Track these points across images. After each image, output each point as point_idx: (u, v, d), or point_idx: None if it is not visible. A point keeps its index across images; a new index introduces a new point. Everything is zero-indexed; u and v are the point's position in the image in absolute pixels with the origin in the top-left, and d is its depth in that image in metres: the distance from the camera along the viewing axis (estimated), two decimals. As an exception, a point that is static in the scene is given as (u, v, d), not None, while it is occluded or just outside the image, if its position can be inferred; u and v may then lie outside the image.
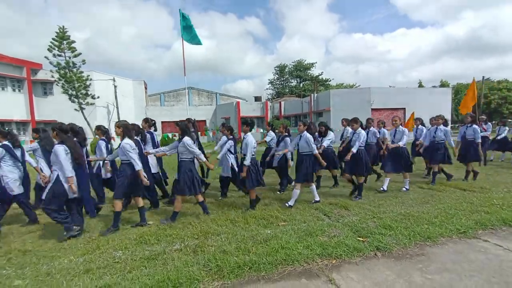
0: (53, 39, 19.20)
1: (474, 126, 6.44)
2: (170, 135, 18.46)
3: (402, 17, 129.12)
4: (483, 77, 31.01)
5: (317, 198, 4.99)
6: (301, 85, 48.49)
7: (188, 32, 6.53)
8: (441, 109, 19.42)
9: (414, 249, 3.13)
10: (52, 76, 19.81)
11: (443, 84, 45.96)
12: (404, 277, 2.59)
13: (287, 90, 48.95)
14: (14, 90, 21.94)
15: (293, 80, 51.34)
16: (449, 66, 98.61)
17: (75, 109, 20.16)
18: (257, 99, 35.06)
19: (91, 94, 20.48)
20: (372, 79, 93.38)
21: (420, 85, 46.95)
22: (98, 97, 21.02)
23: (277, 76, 51.76)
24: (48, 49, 19.21)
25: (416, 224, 3.73)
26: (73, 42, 19.74)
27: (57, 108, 22.19)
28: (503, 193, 5.26)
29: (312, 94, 26.31)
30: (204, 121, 29.96)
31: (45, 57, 19.14)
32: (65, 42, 19.48)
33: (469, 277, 2.57)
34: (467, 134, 6.56)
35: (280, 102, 30.80)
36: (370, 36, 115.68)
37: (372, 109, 21.98)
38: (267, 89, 56.11)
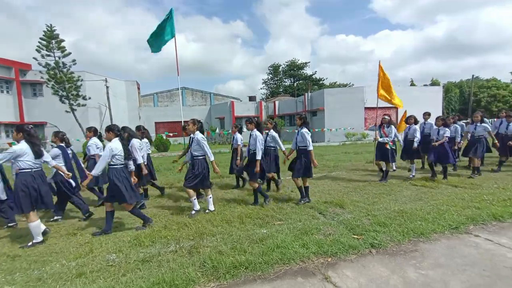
0: (41, 38, 18.50)
1: (302, 130, 4.78)
2: (163, 135, 18.34)
3: (382, 20, 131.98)
4: (473, 75, 31.72)
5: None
6: (295, 84, 48.69)
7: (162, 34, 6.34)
8: (433, 107, 19.75)
9: (408, 245, 3.17)
10: (42, 77, 19.27)
11: (434, 83, 46.76)
12: (398, 273, 2.62)
13: (281, 90, 49.11)
14: (2, 91, 21.39)
15: (286, 79, 51.52)
16: (433, 66, 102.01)
17: (66, 111, 19.73)
18: (252, 98, 35.07)
19: (82, 95, 20.02)
20: (359, 78, 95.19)
21: (412, 84, 47.70)
22: (90, 98, 20.57)
23: (271, 75, 51.89)
24: (37, 50, 18.54)
25: (410, 221, 3.78)
26: (62, 41, 19.11)
27: (47, 109, 21.75)
28: (493, 189, 5.39)
29: (306, 93, 26.43)
30: (198, 121, 29.78)
31: (34, 58, 18.59)
32: (53, 41, 18.90)
33: (461, 271, 2.62)
34: (298, 140, 4.86)
35: (274, 102, 30.86)
36: (353, 38, 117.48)
37: (365, 108, 22.22)
38: (261, 88, 56.24)
